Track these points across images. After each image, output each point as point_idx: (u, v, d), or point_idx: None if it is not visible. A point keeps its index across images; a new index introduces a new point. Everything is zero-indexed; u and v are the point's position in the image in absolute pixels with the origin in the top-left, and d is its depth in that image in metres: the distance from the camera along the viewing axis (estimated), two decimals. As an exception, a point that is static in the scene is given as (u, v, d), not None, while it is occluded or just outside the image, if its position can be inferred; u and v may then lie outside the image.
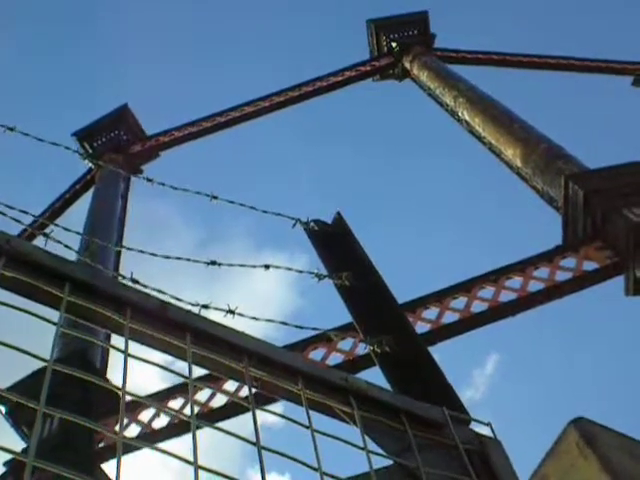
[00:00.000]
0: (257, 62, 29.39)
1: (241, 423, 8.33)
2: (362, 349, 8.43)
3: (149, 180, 5.05)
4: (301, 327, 4.48)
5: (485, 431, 2.57)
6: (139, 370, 2.10)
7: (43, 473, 1.70)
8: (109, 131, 16.65)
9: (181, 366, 2.29)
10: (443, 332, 8.91)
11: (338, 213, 4.26)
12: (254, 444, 1.95)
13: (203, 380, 5.54)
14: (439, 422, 2.46)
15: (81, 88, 27.95)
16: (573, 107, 25.78)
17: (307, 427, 2.14)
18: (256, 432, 1.98)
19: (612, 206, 9.60)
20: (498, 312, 9.13)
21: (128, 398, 1.97)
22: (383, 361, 3.27)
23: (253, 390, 2.20)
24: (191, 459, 1.80)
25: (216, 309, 3.68)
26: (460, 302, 9.23)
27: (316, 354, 8.82)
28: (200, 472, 1.79)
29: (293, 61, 28.75)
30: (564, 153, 11.68)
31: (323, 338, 8.54)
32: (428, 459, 2.29)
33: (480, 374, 25.16)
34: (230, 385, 7.88)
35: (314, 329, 5.78)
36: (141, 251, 4.15)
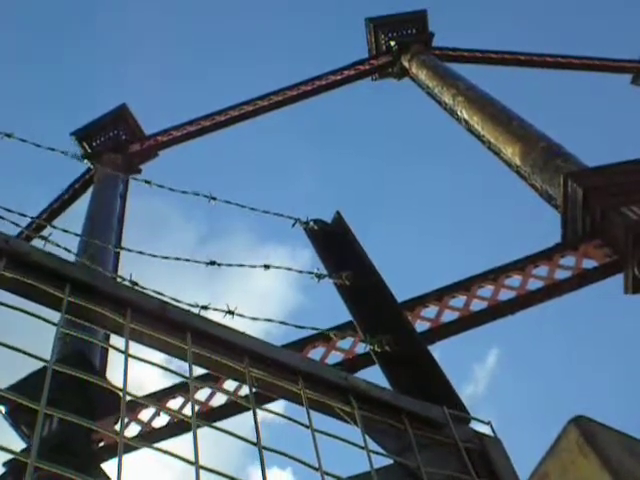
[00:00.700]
0: (256, 61, 29.41)
1: (241, 420, 8.36)
2: (362, 348, 8.44)
3: (147, 182, 5.05)
4: (301, 327, 4.48)
5: (485, 430, 2.57)
6: (140, 368, 2.11)
7: (42, 472, 1.70)
8: (108, 131, 16.65)
9: (180, 364, 2.30)
10: (442, 331, 8.92)
11: (337, 212, 4.27)
12: (255, 444, 1.95)
13: (203, 379, 5.55)
14: (439, 421, 2.46)
15: (80, 88, 27.94)
16: (572, 105, 25.77)
17: (307, 427, 2.14)
18: (257, 432, 1.99)
19: (611, 204, 9.60)
20: (497, 311, 9.14)
21: (128, 398, 1.97)
22: (383, 360, 3.28)
23: (253, 390, 2.20)
24: (192, 458, 1.80)
25: (215, 310, 3.69)
26: (459, 301, 9.23)
27: (315, 353, 8.82)
28: (202, 472, 1.79)
29: (292, 60, 28.75)
30: (563, 151, 11.68)
31: (322, 337, 8.53)
32: (428, 458, 2.29)
33: (481, 369, 25.18)
34: (230, 384, 7.88)
35: (313, 329, 5.79)
36: (140, 252, 4.15)
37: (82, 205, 14.86)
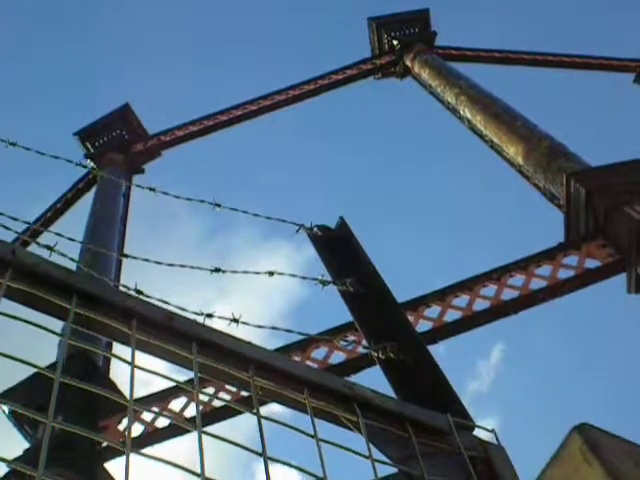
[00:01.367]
0: (259, 61, 29.41)
1: (246, 417, 8.38)
2: (364, 348, 8.44)
3: (152, 189, 5.05)
4: (306, 335, 4.51)
5: (489, 437, 2.58)
6: (145, 363, 2.12)
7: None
8: (111, 130, 16.67)
9: (182, 369, 2.31)
10: (445, 330, 8.93)
11: (341, 218, 4.27)
12: (260, 454, 1.96)
13: (204, 380, 5.55)
14: (443, 429, 2.46)
15: (82, 87, 27.95)
16: (575, 104, 25.76)
17: (312, 436, 2.15)
18: (262, 442, 1.99)
19: (614, 204, 9.61)
20: (500, 310, 9.15)
21: (135, 408, 1.98)
22: (387, 367, 3.28)
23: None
24: (197, 462, 1.81)
25: (220, 318, 3.70)
26: (462, 300, 9.25)
27: (318, 353, 8.83)
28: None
29: (294, 60, 28.76)
30: (566, 151, 11.69)
31: (324, 338, 8.54)
32: (432, 466, 2.30)
33: (485, 365, 25.19)
34: (231, 388, 7.89)
35: (318, 335, 5.81)
36: (146, 260, 4.16)
37: (86, 204, 14.89)
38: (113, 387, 8.00)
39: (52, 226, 14.85)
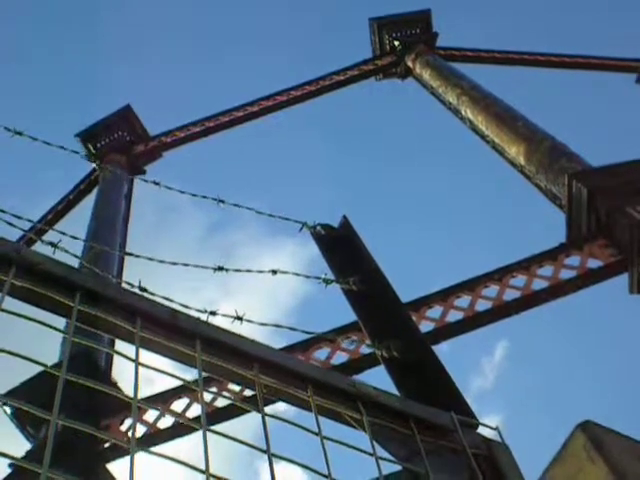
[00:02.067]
0: (259, 61, 29.41)
1: (247, 419, 8.37)
2: (367, 348, 8.45)
3: (156, 183, 5.05)
4: (309, 333, 4.50)
5: (493, 435, 2.57)
6: (148, 361, 2.12)
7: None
8: (112, 132, 16.67)
9: (186, 367, 2.31)
10: (447, 331, 8.93)
11: (344, 217, 4.27)
12: (264, 452, 1.96)
13: (209, 379, 5.55)
14: (447, 427, 2.46)
15: (83, 88, 27.97)
16: (577, 105, 25.76)
17: (316, 434, 2.15)
18: (266, 440, 1.99)
19: (616, 204, 9.61)
20: (502, 311, 9.15)
21: (139, 406, 1.98)
22: (391, 366, 3.28)
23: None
24: (202, 459, 1.81)
25: (224, 316, 3.70)
26: (464, 301, 9.24)
27: (321, 353, 8.82)
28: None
29: (296, 60, 28.77)
30: (568, 151, 11.69)
31: (327, 338, 8.53)
32: (436, 464, 2.30)
33: (489, 361, 25.19)
34: (236, 386, 7.88)
35: (322, 334, 5.83)
36: (149, 258, 4.16)
37: (87, 206, 14.90)
38: (116, 387, 8.00)
39: (56, 235, 14.82)
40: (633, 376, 21.79)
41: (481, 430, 2.60)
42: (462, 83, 15.22)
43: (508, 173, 13.15)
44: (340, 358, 8.73)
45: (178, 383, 7.84)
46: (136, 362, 2.03)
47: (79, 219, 14.74)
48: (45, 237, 4.67)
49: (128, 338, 2.17)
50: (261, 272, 4.60)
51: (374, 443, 2.25)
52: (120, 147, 16.34)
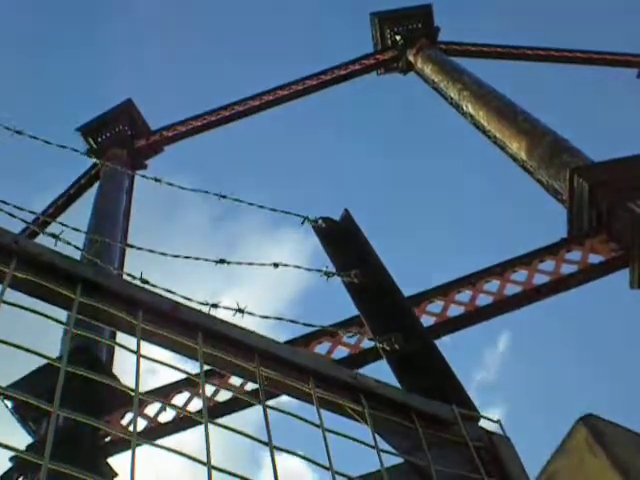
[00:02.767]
0: (261, 56, 29.38)
1: (248, 413, 8.38)
2: (367, 343, 8.45)
3: (157, 180, 5.05)
4: (310, 325, 4.50)
5: (493, 427, 2.57)
6: (150, 353, 2.11)
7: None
8: (113, 126, 16.66)
9: (186, 359, 2.31)
10: (448, 325, 8.92)
11: (346, 210, 4.27)
12: (266, 444, 1.96)
13: (210, 373, 5.54)
14: (449, 420, 2.46)
15: (86, 82, 27.96)
16: (578, 100, 25.74)
17: (318, 426, 2.14)
18: (268, 432, 1.99)
19: (617, 199, 9.60)
20: (503, 305, 9.15)
21: (140, 398, 1.98)
22: (392, 359, 3.28)
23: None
24: (203, 452, 1.81)
25: (226, 308, 3.69)
26: (465, 295, 9.24)
27: (321, 348, 8.82)
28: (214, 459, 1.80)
29: (297, 55, 28.75)
30: (569, 146, 11.69)
31: (328, 332, 8.53)
32: (438, 457, 2.30)
33: (491, 353, 25.21)
34: (236, 379, 7.88)
35: (322, 327, 5.84)
36: (151, 250, 4.15)
37: (87, 201, 14.90)
38: (117, 382, 8.00)
39: (58, 226, 14.82)
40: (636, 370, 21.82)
41: (483, 423, 2.60)
42: (463, 78, 15.20)
43: (509, 168, 13.15)
44: (341, 353, 8.74)
45: (179, 375, 7.84)
46: (138, 354, 2.03)
47: (80, 214, 14.75)
48: (47, 230, 4.66)
49: (129, 330, 2.16)
50: (263, 265, 4.60)
51: (376, 436, 2.25)
52: (121, 141, 16.34)
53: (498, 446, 2.45)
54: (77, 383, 2.07)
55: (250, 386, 7.57)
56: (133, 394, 1.90)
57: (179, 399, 8.44)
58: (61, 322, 2.11)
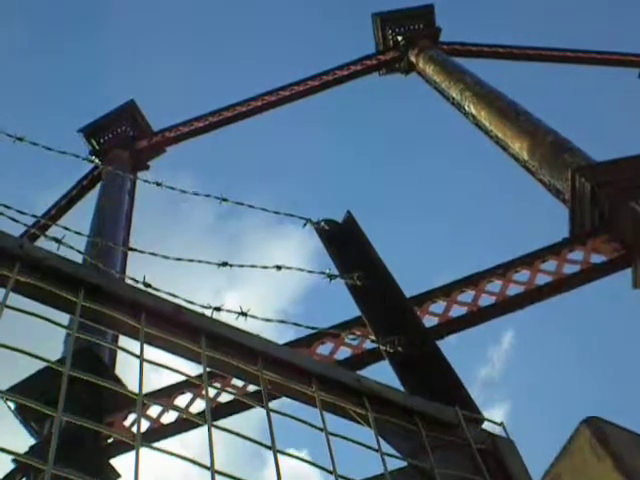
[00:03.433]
0: (263, 57, 29.39)
1: (249, 415, 8.38)
2: (370, 344, 8.45)
3: (158, 184, 5.05)
4: (313, 328, 4.51)
5: (496, 429, 2.57)
6: (152, 356, 2.11)
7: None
8: (115, 127, 16.66)
9: (187, 361, 2.31)
10: (450, 326, 8.92)
11: (348, 212, 4.27)
12: (269, 448, 1.96)
13: (212, 375, 5.54)
14: (452, 422, 2.46)
15: (88, 83, 27.98)
16: (580, 99, 25.74)
17: (321, 429, 2.14)
18: (271, 435, 1.99)
19: (619, 199, 9.59)
20: (506, 306, 9.14)
21: (144, 402, 1.98)
22: (395, 361, 3.28)
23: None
24: (207, 451, 1.81)
25: (228, 311, 3.70)
26: (468, 296, 9.23)
27: (324, 348, 8.81)
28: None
29: (299, 56, 28.74)
30: (571, 146, 11.67)
31: (330, 333, 8.53)
32: (442, 460, 2.30)
33: (496, 350, 25.22)
34: (240, 381, 7.88)
35: (326, 329, 5.84)
36: (153, 254, 4.16)
37: (90, 203, 14.90)
38: (120, 383, 8.00)
39: (60, 230, 14.83)
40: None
41: (486, 425, 2.60)
42: (465, 78, 15.19)
43: (511, 168, 13.15)
44: (343, 354, 8.73)
45: (181, 377, 7.84)
46: (141, 358, 2.03)
47: (82, 215, 14.75)
48: (48, 233, 4.66)
49: (133, 334, 2.17)
50: (265, 268, 4.59)
51: (379, 438, 2.25)
52: (123, 142, 16.33)
53: (501, 449, 2.45)
54: (79, 385, 2.07)
55: (253, 387, 7.57)
56: (136, 398, 1.90)
57: (182, 400, 8.45)
58: (64, 326, 2.12)
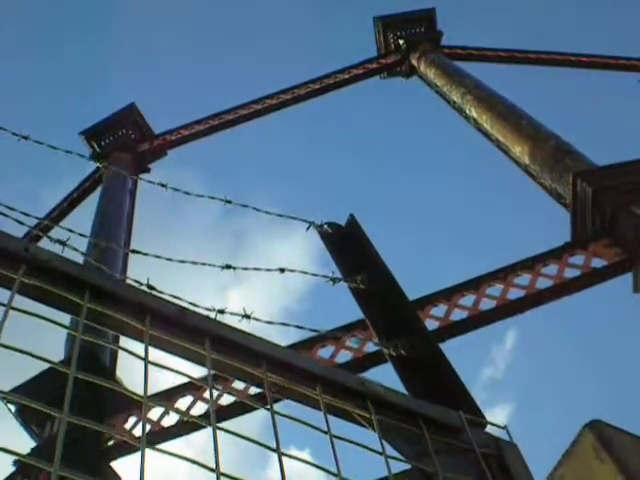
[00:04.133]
0: (264, 60, 29.41)
1: (250, 417, 8.37)
2: (371, 347, 8.45)
3: (163, 185, 5.06)
4: (315, 330, 4.51)
5: (500, 433, 2.57)
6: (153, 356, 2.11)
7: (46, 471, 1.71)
8: (117, 130, 16.69)
9: (191, 364, 2.31)
10: (451, 329, 8.92)
11: (351, 215, 4.27)
12: (274, 450, 1.96)
13: (215, 377, 5.54)
14: (456, 426, 2.46)
15: (89, 85, 28.00)
16: (581, 104, 25.75)
17: (326, 432, 2.14)
18: (276, 439, 1.99)
19: (621, 203, 9.60)
20: (507, 309, 9.15)
21: (149, 403, 1.98)
22: (399, 364, 3.28)
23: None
24: (211, 451, 1.81)
25: (232, 314, 3.70)
26: (469, 300, 9.24)
27: (325, 352, 8.82)
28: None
29: (300, 59, 28.76)
30: (572, 150, 11.68)
31: (332, 336, 8.54)
32: (446, 463, 2.29)
33: (499, 350, 25.22)
34: (240, 383, 7.88)
35: (328, 332, 5.84)
36: (157, 256, 4.16)
37: (91, 205, 14.91)
38: (122, 386, 7.99)
39: (64, 232, 14.84)
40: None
41: (489, 429, 2.60)
42: (466, 82, 15.21)
43: (513, 172, 13.15)
44: (344, 357, 8.73)
45: (182, 380, 7.84)
46: (145, 360, 2.02)
47: (83, 218, 14.76)
48: (51, 234, 4.67)
49: (137, 336, 2.16)
50: (269, 270, 4.60)
51: (383, 442, 2.24)
52: (125, 145, 16.35)
53: (505, 452, 2.45)
54: (81, 387, 2.07)
55: (254, 389, 7.57)
56: (141, 400, 1.90)
57: (185, 402, 8.45)
58: (68, 328, 2.12)
